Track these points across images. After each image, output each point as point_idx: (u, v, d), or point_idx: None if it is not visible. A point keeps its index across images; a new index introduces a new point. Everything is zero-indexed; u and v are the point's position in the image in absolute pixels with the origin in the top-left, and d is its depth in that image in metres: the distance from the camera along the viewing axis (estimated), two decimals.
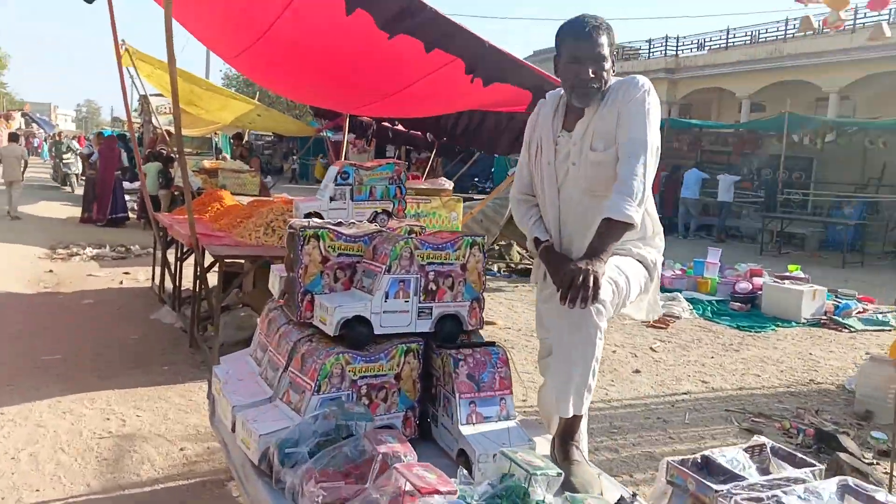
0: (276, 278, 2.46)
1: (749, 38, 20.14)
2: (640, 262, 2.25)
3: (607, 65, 2.17)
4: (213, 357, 3.98)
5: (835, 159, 14.39)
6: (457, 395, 2.04)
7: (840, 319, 6.59)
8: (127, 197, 12.17)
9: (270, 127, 11.02)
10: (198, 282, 4.49)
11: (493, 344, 2.19)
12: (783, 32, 19.33)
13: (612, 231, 2.02)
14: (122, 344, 4.53)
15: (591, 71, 2.16)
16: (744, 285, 7.38)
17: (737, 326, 6.36)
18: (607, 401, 4.18)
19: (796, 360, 5.37)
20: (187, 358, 4.34)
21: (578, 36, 2.17)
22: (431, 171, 13.86)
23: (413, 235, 2.17)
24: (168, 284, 5.69)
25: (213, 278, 4.68)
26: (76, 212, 11.96)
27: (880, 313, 6.87)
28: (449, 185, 4.60)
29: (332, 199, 2.42)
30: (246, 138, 13.15)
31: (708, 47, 21.63)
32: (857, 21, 17.72)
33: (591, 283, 1.86)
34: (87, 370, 3.98)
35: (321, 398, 1.97)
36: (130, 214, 11.69)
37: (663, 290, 7.68)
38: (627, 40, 25.13)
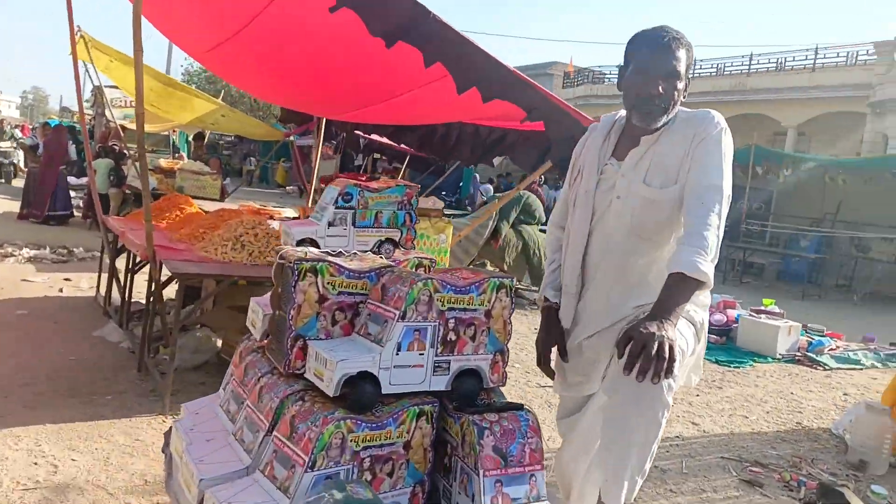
0: (257, 315, 2.08)
1: (714, 69, 20.47)
2: (691, 322, 1.96)
3: (679, 85, 1.88)
4: (165, 384, 3.53)
5: (794, 193, 14.63)
6: (480, 471, 1.70)
7: (814, 357, 6.50)
8: (72, 193, 11.41)
9: (235, 129, 10.46)
10: (151, 298, 4.02)
11: (520, 407, 1.86)
12: (747, 66, 19.72)
13: (683, 288, 1.72)
14: (57, 366, 3.99)
15: (660, 87, 1.87)
16: (718, 317, 7.25)
17: (715, 361, 6.19)
18: None
19: (779, 399, 5.21)
20: (135, 385, 3.86)
21: (654, 46, 1.88)
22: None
23: (431, 275, 1.82)
24: (115, 296, 5.17)
25: (167, 290, 4.22)
26: (13, 207, 11.13)
27: (851, 351, 6.82)
28: (439, 204, 4.26)
29: (330, 224, 2.05)
30: (207, 138, 12.55)
31: None
32: (818, 61, 18.20)
33: (667, 354, 1.55)
34: (13, 399, 3.44)
35: (315, 475, 1.60)
36: (75, 213, 10.94)
37: None
38: (597, 64, 25.35)
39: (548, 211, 7.68)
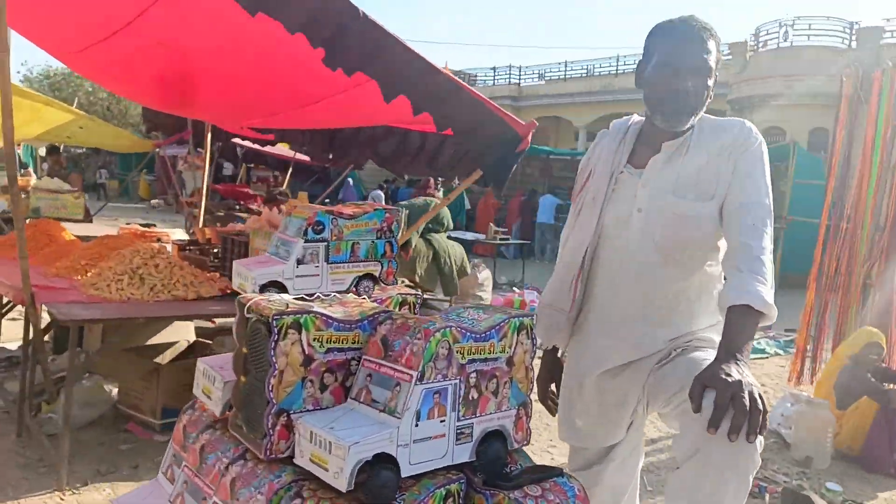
0: (211, 382, 1.64)
1: (585, 71, 21.32)
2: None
3: (710, 82, 1.67)
4: (58, 451, 2.91)
5: None
6: None
7: None
8: None
9: (95, 142, 9.37)
10: (30, 348, 3.35)
11: (560, 472, 1.56)
12: (615, 68, 20.69)
13: (751, 323, 1.51)
14: None
15: (688, 83, 1.65)
16: None
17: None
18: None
19: None
20: (15, 454, 3.18)
21: (681, 36, 1.66)
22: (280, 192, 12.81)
23: (448, 322, 1.49)
24: None
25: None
26: None
27: (755, 341, 7.12)
28: None
29: (299, 261, 1.65)
30: (64, 151, 11.23)
31: (547, 78, 22.63)
32: None
33: (760, 406, 1.32)
34: None
35: None
36: None
37: None
38: (470, 67, 25.67)
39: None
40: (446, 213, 7.62)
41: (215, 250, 4.33)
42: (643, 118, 1.85)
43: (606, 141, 1.87)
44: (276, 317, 1.42)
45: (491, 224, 11.53)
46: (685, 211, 1.66)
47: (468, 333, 1.50)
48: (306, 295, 1.64)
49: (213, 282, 3.74)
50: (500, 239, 10.88)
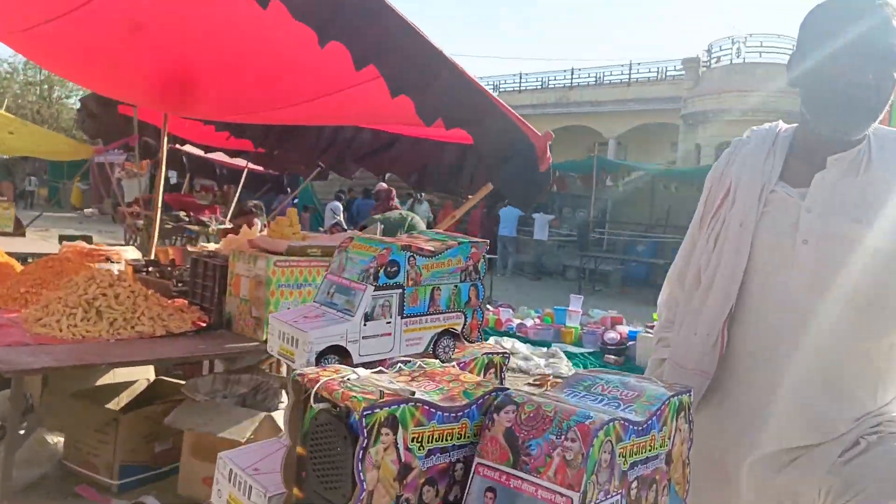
0: (242, 491, 1.15)
1: (539, 83, 21.26)
2: None
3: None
4: None
5: (629, 201, 15.42)
6: None
7: None
8: None
9: (29, 149, 8.50)
10: None
11: None
12: (569, 80, 20.70)
13: None
14: None
15: (870, 75, 1.26)
16: (612, 335, 7.05)
17: None
18: None
19: None
20: None
21: (862, 16, 1.27)
22: (227, 202, 12.10)
23: (608, 414, 1.05)
24: None
25: None
26: None
27: None
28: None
29: (367, 317, 1.19)
30: None
31: (502, 90, 22.48)
32: (633, 75, 19.55)
33: None
34: None
35: None
36: None
37: (529, 341, 7.08)
38: None
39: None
40: (422, 227, 7.17)
41: (178, 272, 3.77)
42: (791, 126, 1.46)
43: (750, 149, 1.47)
44: (367, 412, 0.95)
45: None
46: (878, 245, 1.27)
47: (630, 427, 1.06)
48: (381, 364, 1.17)
49: (184, 312, 3.18)
50: None
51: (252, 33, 2.69)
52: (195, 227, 9.89)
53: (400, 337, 1.26)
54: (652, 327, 7.05)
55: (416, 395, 1.02)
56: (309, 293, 3.25)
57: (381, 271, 1.22)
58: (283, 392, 3.50)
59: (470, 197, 3.85)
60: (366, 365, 1.22)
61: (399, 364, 1.18)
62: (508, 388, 1.16)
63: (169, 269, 3.87)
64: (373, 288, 1.20)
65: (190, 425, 2.99)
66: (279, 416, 3.07)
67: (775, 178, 1.40)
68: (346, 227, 12.88)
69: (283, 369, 4.23)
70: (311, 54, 2.44)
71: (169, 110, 4.40)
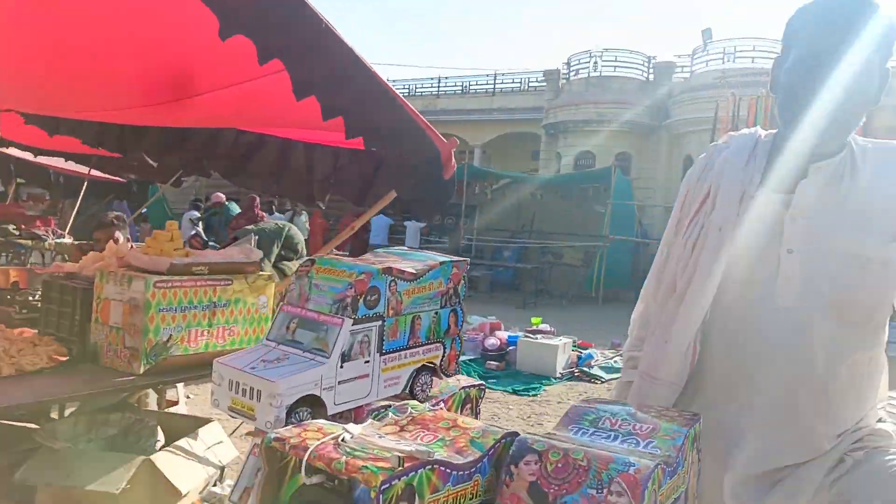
0: None
1: (407, 90, 21.29)
2: None
3: (873, 86, 1.27)
4: None
5: (497, 208, 15.78)
6: None
7: (587, 370, 6.70)
8: None
9: None
10: None
11: None
12: (436, 89, 20.91)
13: None
14: None
15: (838, 88, 1.24)
16: (492, 341, 7.08)
17: (513, 391, 5.93)
18: None
19: None
20: None
21: (836, 20, 1.24)
22: (59, 214, 10.92)
23: (649, 460, 0.93)
24: None
25: None
26: None
27: (611, 360, 7.22)
28: (256, 255, 3.09)
29: (344, 357, 0.97)
30: None
31: None
32: (497, 85, 20.12)
33: None
34: None
35: None
36: None
37: None
38: None
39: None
40: (300, 239, 6.82)
41: (20, 297, 3.25)
42: (771, 132, 1.43)
43: (729, 153, 1.41)
44: (385, 486, 0.76)
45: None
46: (869, 254, 1.25)
47: (667, 469, 0.94)
48: (357, 413, 0.97)
49: (36, 346, 2.71)
50: None
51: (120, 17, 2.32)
52: (27, 242, 8.75)
53: (378, 378, 1.06)
54: (530, 332, 7.18)
55: (435, 458, 0.83)
56: (195, 317, 2.89)
57: (361, 300, 1.01)
58: (160, 430, 3.10)
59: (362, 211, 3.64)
60: (341, 415, 1.01)
61: (390, 413, 0.99)
62: (518, 433, 1.00)
63: (11, 294, 3.32)
64: (351, 322, 1.00)
65: (48, 479, 2.52)
66: (160, 460, 2.69)
67: (756, 183, 1.35)
68: (206, 239, 12.05)
69: (153, 403, 3.78)
70: (197, 41, 2.15)
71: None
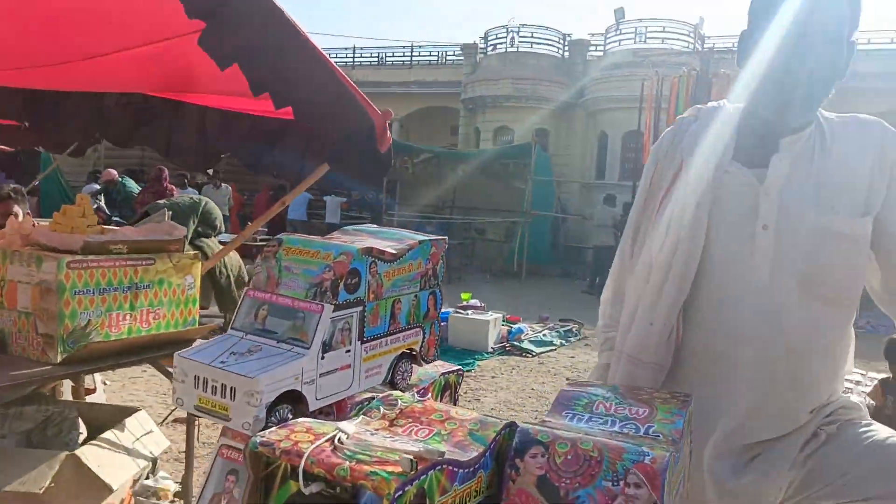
0: None
1: None
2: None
3: (841, 58, 1.27)
4: None
5: (418, 183, 15.67)
6: None
7: (518, 344, 6.78)
8: None
9: None
10: None
11: None
12: (352, 59, 20.38)
13: None
14: None
15: (808, 61, 1.24)
16: None
17: None
18: None
19: (535, 400, 5.17)
20: None
21: None
22: None
23: (665, 446, 0.89)
24: None
25: None
26: None
27: (540, 333, 7.34)
28: (179, 231, 2.88)
29: (326, 347, 0.87)
30: None
31: None
32: (414, 58, 19.84)
33: None
34: None
35: None
36: None
37: None
38: None
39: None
40: (218, 214, 6.49)
41: None
42: (738, 106, 1.40)
43: (697, 127, 1.38)
44: (399, 492, 0.67)
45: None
46: (841, 230, 1.25)
47: (676, 456, 0.91)
48: (340, 406, 0.88)
49: None
50: (261, 239, 9.84)
51: None
52: None
53: (360, 368, 0.97)
54: (461, 308, 7.18)
55: (444, 461, 0.75)
56: (115, 300, 2.67)
57: (341, 284, 0.91)
58: (81, 422, 2.87)
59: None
60: (321, 411, 0.91)
61: (379, 406, 0.90)
62: (516, 423, 0.93)
63: None
64: (332, 308, 0.90)
65: None
66: (85, 455, 2.49)
67: (728, 157, 1.33)
68: (108, 213, 11.31)
69: (66, 391, 3.51)
70: None
71: None
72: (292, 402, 0.86)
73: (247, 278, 6.76)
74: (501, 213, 14.22)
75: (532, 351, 6.65)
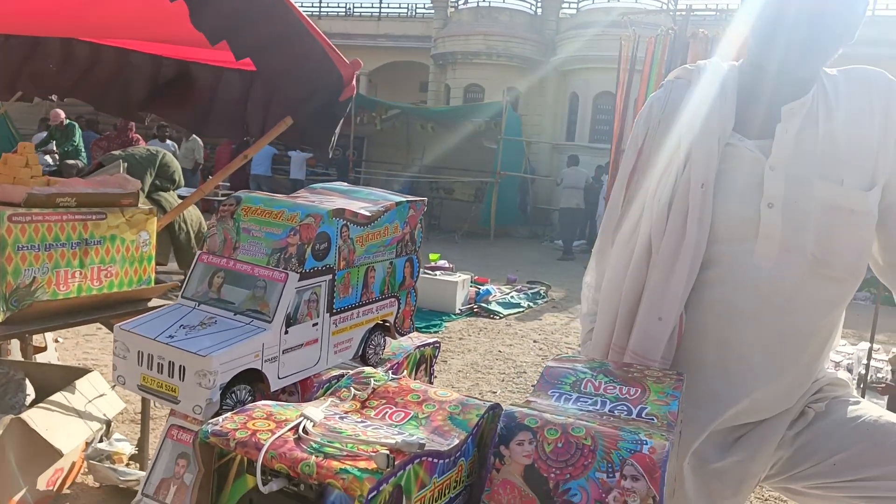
0: None
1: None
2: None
3: (855, 13, 1.17)
4: None
5: (386, 140, 15.39)
6: None
7: (486, 306, 6.75)
8: None
9: None
10: None
11: None
12: (318, 9, 19.73)
13: None
14: None
15: (830, 2, 1.13)
16: None
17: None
18: None
19: (497, 361, 5.15)
20: None
21: None
22: None
23: (658, 428, 0.81)
24: None
25: None
26: None
27: (507, 295, 7.31)
28: (134, 184, 2.72)
29: (290, 320, 0.77)
30: None
31: None
32: (383, 10, 19.29)
33: None
34: None
35: None
36: None
37: None
38: None
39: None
40: (177, 167, 6.24)
41: None
42: (734, 65, 1.30)
43: (694, 92, 1.27)
44: (373, 492, 0.59)
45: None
46: (852, 206, 1.16)
47: (672, 439, 0.84)
48: (305, 385, 0.78)
49: None
50: (222, 194, 9.57)
51: None
52: None
53: (328, 343, 0.87)
54: (429, 268, 7.11)
55: (423, 453, 0.67)
56: (63, 256, 2.52)
57: (308, 250, 0.80)
58: (29, 384, 2.73)
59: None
60: (283, 389, 0.81)
61: (351, 388, 0.80)
62: (500, 405, 0.85)
63: None
64: (297, 276, 0.79)
65: None
66: (32, 418, 2.36)
67: (729, 128, 1.23)
68: (60, 155, 10.85)
69: (16, 351, 3.35)
70: None
71: None
72: (251, 381, 0.76)
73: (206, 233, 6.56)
74: (471, 172, 14.06)
75: (500, 313, 6.62)
